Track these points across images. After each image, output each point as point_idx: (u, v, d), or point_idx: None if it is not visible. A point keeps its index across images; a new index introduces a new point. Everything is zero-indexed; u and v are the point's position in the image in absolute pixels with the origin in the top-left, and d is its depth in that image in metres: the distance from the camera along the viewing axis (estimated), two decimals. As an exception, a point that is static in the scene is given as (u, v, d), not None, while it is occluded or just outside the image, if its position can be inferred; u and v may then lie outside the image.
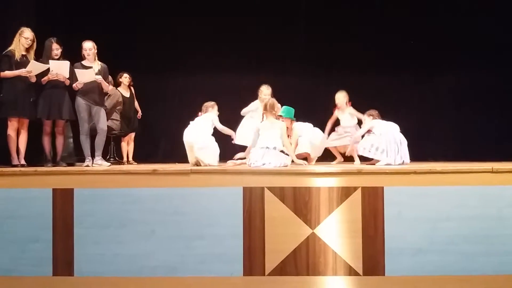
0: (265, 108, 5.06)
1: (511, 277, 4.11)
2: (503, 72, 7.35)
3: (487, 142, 7.14)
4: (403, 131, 6.72)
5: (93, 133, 5.43)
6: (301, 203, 4.18)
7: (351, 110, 6.20)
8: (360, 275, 4.13)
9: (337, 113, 6.24)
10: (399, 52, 7.43)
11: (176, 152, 6.06)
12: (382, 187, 4.16)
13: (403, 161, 5.23)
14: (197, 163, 4.98)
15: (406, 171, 4.27)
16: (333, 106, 6.22)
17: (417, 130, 7.36)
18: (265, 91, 6.05)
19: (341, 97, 6.21)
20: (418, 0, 7.44)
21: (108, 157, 6.53)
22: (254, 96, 6.43)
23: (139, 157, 6.92)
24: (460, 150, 6.75)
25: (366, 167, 4.66)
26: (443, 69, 7.00)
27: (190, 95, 7.49)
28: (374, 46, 7.43)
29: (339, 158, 6.28)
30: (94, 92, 5.34)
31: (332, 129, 6.20)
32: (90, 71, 5.29)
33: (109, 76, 6.35)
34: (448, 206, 4.16)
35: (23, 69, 5.07)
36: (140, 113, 7.01)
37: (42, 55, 5.34)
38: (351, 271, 4.13)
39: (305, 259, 4.14)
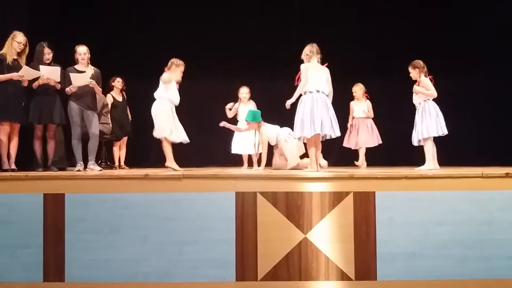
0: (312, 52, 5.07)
1: (502, 281, 4.14)
2: (493, 77, 7.43)
3: (477, 147, 7.21)
4: (396, 135, 6.79)
5: (84, 138, 5.41)
6: (293, 208, 4.18)
7: (368, 103, 6.76)
8: (352, 280, 4.13)
9: (352, 104, 6.79)
10: (393, 55, 7.49)
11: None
12: (374, 192, 4.18)
13: None
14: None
15: (398, 176, 4.29)
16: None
17: (408, 135, 7.42)
18: (241, 90, 6.53)
19: (357, 89, 6.79)
20: (414, 2, 7.53)
21: (99, 161, 6.51)
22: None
23: (131, 162, 6.90)
24: (450, 155, 6.78)
25: (357, 172, 4.68)
26: (434, 74, 7.04)
27: (182, 100, 7.50)
28: (368, 48, 7.49)
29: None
30: (87, 96, 5.33)
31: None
32: (85, 75, 5.28)
33: None
34: (439, 211, 4.18)
35: (15, 73, 5.04)
36: (130, 117, 6.99)
37: (33, 59, 5.32)
38: (343, 276, 4.14)
39: (297, 264, 4.14)
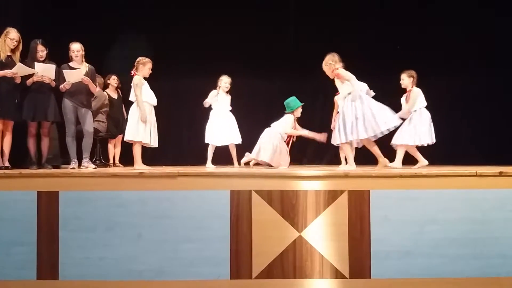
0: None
1: (496, 279, 4.16)
2: (488, 76, 7.47)
3: (471, 146, 7.24)
4: (390, 134, 6.72)
5: (79, 135, 5.39)
6: (288, 206, 4.18)
7: None
8: (347, 278, 4.14)
9: (337, 99, 6.28)
10: (388, 55, 7.52)
11: (163, 154, 6.05)
12: (368, 191, 4.18)
13: None
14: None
15: (392, 175, 4.30)
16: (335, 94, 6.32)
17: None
18: (225, 79, 6.26)
19: None
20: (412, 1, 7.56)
21: (94, 159, 6.49)
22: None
23: (125, 160, 6.88)
24: (445, 154, 6.82)
25: (352, 170, 4.69)
26: (429, 72, 7.09)
27: (178, 97, 7.50)
28: (366, 47, 7.50)
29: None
30: (81, 94, 5.31)
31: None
32: (78, 71, 5.26)
33: (100, 76, 6.33)
34: (433, 209, 4.19)
35: (8, 70, 5.01)
36: (125, 115, 6.97)
37: (27, 56, 5.29)
38: (338, 274, 4.15)
39: (292, 262, 4.15)
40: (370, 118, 4.85)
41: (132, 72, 5.34)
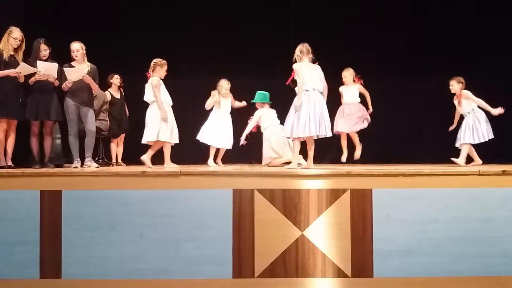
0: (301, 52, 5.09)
1: (498, 278, 4.17)
2: (490, 76, 7.45)
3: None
4: (393, 133, 6.72)
5: (81, 134, 5.40)
6: (290, 205, 4.19)
7: (359, 86, 6.35)
8: (349, 277, 4.15)
9: (341, 89, 6.32)
10: (390, 54, 7.50)
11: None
12: (371, 189, 4.19)
13: None
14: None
15: (395, 173, 4.30)
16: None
17: (406, 132, 7.44)
18: (225, 85, 6.22)
19: (347, 74, 6.36)
20: (412, 2, 7.55)
21: (96, 158, 6.50)
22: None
23: (128, 159, 6.89)
24: (447, 152, 6.80)
25: (355, 169, 4.68)
26: (433, 72, 7.08)
27: (181, 97, 7.49)
28: (366, 48, 7.49)
29: (345, 152, 6.28)
30: (83, 93, 5.32)
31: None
32: (79, 69, 5.26)
33: None
34: (436, 208, 4.20)
35: (12, 69, 5.02)
36: (127, 114, 6.98)
37: (30, 55, 5.30)
38: (340, 273, 4.15)
39: (294, 261, 4.15)
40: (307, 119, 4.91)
41: (150, 73, 5.35)
